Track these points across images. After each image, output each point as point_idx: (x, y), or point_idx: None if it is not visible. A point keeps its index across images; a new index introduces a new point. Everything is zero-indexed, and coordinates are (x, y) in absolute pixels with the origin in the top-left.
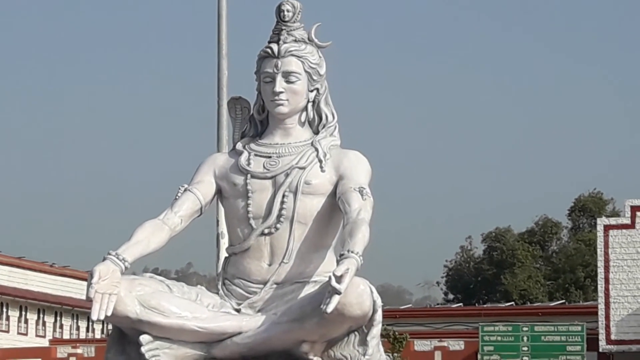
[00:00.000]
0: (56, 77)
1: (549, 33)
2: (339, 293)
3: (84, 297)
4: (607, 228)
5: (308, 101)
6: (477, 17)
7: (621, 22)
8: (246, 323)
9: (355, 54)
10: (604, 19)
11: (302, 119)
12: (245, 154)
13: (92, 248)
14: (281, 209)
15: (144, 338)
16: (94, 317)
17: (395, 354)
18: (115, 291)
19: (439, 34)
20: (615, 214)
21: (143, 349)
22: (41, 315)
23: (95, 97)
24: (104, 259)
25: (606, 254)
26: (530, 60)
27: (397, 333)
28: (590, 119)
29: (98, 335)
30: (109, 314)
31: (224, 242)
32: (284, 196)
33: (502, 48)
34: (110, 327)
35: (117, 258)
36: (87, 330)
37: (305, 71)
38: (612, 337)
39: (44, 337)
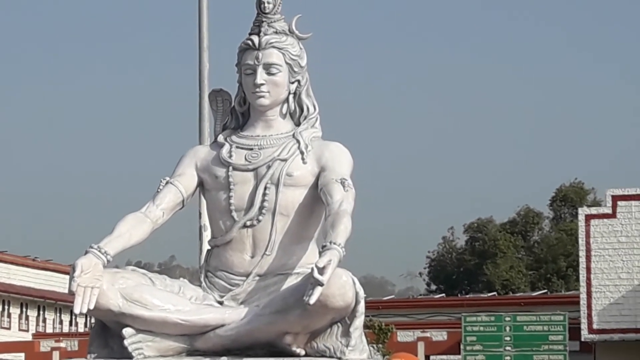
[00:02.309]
0: (30, 69)
1: (529, 22)
2: (321, 284)
3: (66, 291)
4: (588, 218)
5: (289, 93)
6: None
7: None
8: (229, 315)
9: (336, 46)
10: (595, 13)
11: (284, 110)
12: (227, 146)
13: (74, 242)
14: (263, 201)
15: (126, 331)
16: (76, 310)
17: (380, 345)
18: (98, 284)
19: (421, 27)
20: (597, 203)
21: (126, 342)
22: (24, 309)
23: (73, 90)
24: (86, 253)
25: (588, 243)
26: (509, 52)
27: (382, 324)
28: (571, 109)
29: (81, 329)
30: (92, 307)
31: (207, 235)
32: (265, 188)
33: (485, 40)
34: (93, 320)
35: (99, 251)
36: (70, 324)
37: (286, 63)
38: (594, 326)
39: (27, 331)
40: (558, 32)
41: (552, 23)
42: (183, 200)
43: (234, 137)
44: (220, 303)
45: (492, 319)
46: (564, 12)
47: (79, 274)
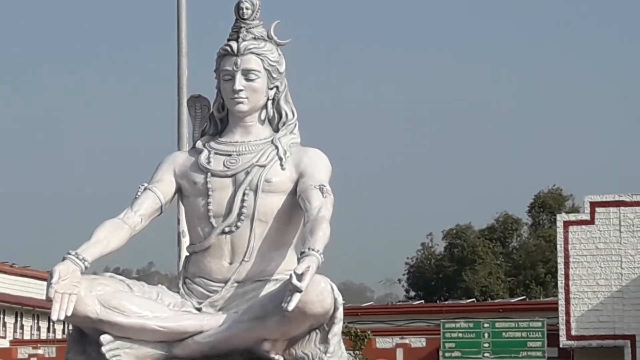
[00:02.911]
0: (11, 79)
1: (505, 26)
2: (300, 291)
3: (44, 297)
4: (566, 224)
5: (268, 99)
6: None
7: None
8: (207, 322)
9: (314, 52)
10: (579, 22)
11: (262, 116)
12: (205, 152)
13: (52, 248)
14: (242, 207)
15: (104, 338)
16: (54, 317)
17: (357, 352)
18: (75, 291)
19: (401, 34)
20: (575, 210)
21: (104, 349)
22: (1, 316)
23: (51, 95)
24: (64, 259)
25: (566, 250)
26: (487, 56)
27: (359, 331)
28: (550, 116)
29: (59, 336)
30: (69, 314)
31: (185, 241)
32: (244, 194)
33: (463, 46)
34: (71, 327)
35: (77, 258)
36: (48, 331)
37: (265, 69)
38: (573, 332)
39: (4, 337)
40: (537, 39)
41: (532, 31)
42: (161, 207)
43: (212, 143)
44: (199, 309)
45: (471, 325)
46: (547, 20)
47: (57, 281)
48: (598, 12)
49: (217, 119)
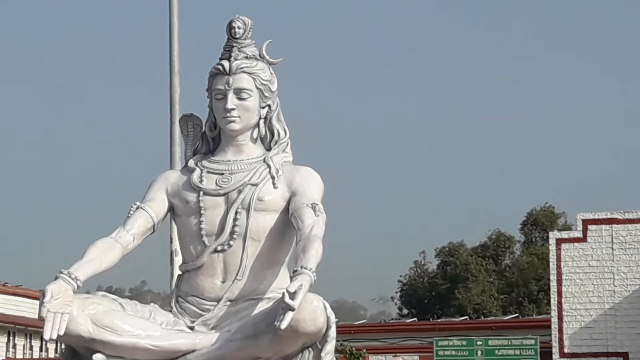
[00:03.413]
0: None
1: (490, 38)
2: (292, 309)
3: (36, 317)
4: (559, 242)
5: (260, 118)
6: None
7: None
8: (200, 341)
9: (302, 72)
10: (570, 19)
11: (254, 135)
12: (198, 171)
13: (45, 267)
14: (234, 225)
15: (97, 357)
16: (46, 336)
17: None
18: (68, 310)
19: (393, 47)
20: (567, 227)
21: None
22: None
23: (41, 114)
24: (56, 278)
25: (558, 267)
26: (481, 74)
27: (354, 349)
28: (542, 133)
29: (52, 355)
30: (62, 333)
31: (178, 260)
32: (236, 213)
33: (451, 61)
34: (63, 346)
35: (69, 277)
36: (41, 350)
37: (257, 88)
38: (566, 350)
39: None
40: (528, 51)
41: (520, 39)
42: (154, 225)
43: (204, 162)
44: (191, 328)
45: (464, 343)
46: (536, 29)
47: (49, 300)
48: (606, 27)
49: (209, 137)
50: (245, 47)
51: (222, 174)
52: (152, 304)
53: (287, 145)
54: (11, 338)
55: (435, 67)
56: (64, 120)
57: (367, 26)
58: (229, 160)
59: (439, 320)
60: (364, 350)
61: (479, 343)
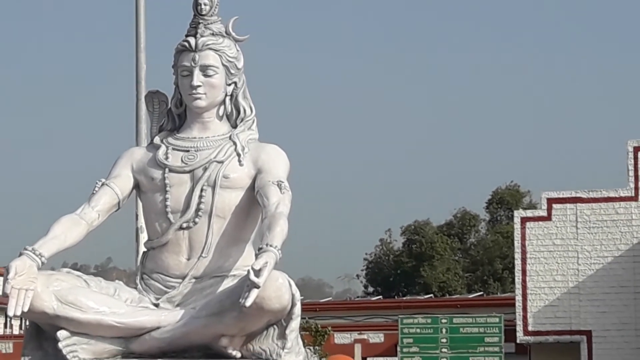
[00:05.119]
0: None
1: (457, 21)
2: (257, 287)
3: (0, 293)
4: (523, 220)
5: (226, 95)
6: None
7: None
8: (165, 318)
9: (271, 47)
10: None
11: (220, 112)
12: (163, 147)
13: (8, 243)
14: (199, 203)
15: (61, 334)
16: (10, 313)
17: (317, 347)
18: (32, 287)
19: (355, 30)
20: (532, 206)
21: (60, 345)
22: None
23: (10, 86)
24: (20, 255)
25: (523, 246)
26: (441, 49)
27: (319, 326)
28: (506, 110)
29: (16, 331)
30: (26, 309)
31: (143, 237)
32: (202, 190)
33: (413, 38)
34: (28, 323)
35: (34, 253)
36: (5, 326)
37: (223, 65)
38: (529, 328)
39: None
40: (500, 30)
41: (480, 28)
42: (119, 202)
43: (170, 139)
44: (156, 305)
45: (429, 321)
46: (498, 11)
47: (13, 276)
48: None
49: (175, 114)
50: (211, 24)
51: (188, 151)
52: (117, 281)
53: (253, 122)
54: None
55: (406, 45)
56: (33, 94)
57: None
58: (195, 138)
59: (404, 298)
60: (329, 328)
61: (443, 321)
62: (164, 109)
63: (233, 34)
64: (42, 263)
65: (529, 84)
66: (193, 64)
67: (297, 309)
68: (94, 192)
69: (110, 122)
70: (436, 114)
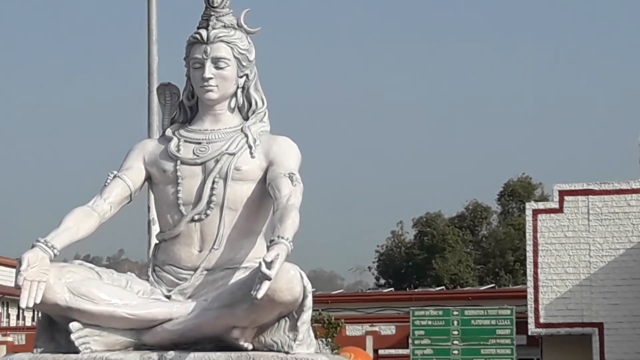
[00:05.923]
0: None
1: (466, 22)
2: (269, 279)
3: (13, 285)
4: (535, 212)
5: (237, 87)
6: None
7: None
8: (176, 310)
9: (282, 40)
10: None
11: (232, 105)
12: (175, 140)
13: (21, 235)
14: (211, 195)
15: (73, 325)
16: (22, 304)
17: (329, 339)
18: (45, 278)
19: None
20: (544, 198)
21: (73, 337)
22: None
23: (23, 81)
24: (33, 246)
25: (535, 238)
26: (447, 43)
27: (332, 318)
28: (519, 103)
29: (29, 323)
30: (38, 301)
31: (155, 229)
32: (214, 182)
33: (417, 32)
34: (40, 314)
35: (46, 245)
36: (18, 318)
37: (235, 57)
38: (541, 320)
39: None
40: (513, 22)
41: (498, 25)
42: (131, 194)
43: (182, 131)
44: (168, 297)
45: (440, 313)
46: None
47: (26, 268)
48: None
49: (186, 107)
50: (223, 16)
51: (200, 143)
52: (129, 273)
53: (265, 114)
54: None
55: (413, 42)
56: (45, 87)
57: None
58: (207, 130)
59: (416, 290)
60: (342, 320)
61: (455, 313)
62: (176, 101)
63: (245, 26)
64: (55, 255)
65: (542, 77)
66: (205, 56)
67: (309, 301)
68: (106, 184)
69: (122, 114)
70: (449, 107)
